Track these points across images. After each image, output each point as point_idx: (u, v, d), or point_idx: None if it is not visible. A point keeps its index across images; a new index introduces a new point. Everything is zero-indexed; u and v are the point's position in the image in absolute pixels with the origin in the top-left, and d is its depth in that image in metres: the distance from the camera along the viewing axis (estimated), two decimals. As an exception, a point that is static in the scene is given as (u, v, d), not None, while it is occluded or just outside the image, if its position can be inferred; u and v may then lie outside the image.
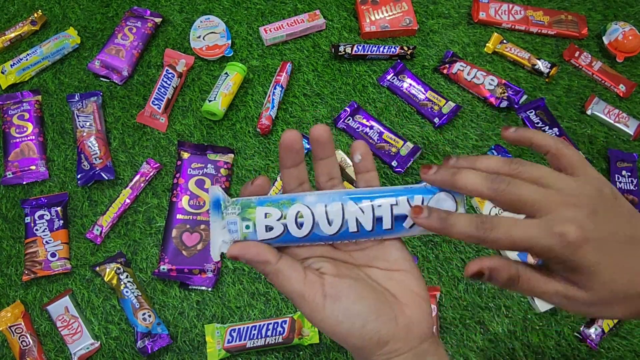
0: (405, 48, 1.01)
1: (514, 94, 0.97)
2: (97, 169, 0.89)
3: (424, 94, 0.99)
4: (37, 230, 0.85)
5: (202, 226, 0.86)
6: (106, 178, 0.89)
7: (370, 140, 0.94)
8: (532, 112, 0.97)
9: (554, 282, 0.32)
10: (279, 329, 0.79)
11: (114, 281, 0.82)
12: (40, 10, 1.05)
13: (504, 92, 0.97)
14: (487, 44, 1.04)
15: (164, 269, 0.83)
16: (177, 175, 0.89)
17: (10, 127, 0.94)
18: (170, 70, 0.98)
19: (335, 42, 1.05)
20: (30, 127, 0.94)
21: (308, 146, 0.95)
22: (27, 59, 0.99)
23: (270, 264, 0.33)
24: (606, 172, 0.94)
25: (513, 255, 0.84)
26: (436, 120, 0.96)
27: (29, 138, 0.93)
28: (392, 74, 1.00)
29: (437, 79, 1.02)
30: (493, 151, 0.94)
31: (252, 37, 1.05)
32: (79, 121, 0.93)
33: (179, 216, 0.86)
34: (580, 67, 1.03)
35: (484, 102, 0.99)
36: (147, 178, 0.90)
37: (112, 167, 0.91)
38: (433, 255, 0.86)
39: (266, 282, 0.84)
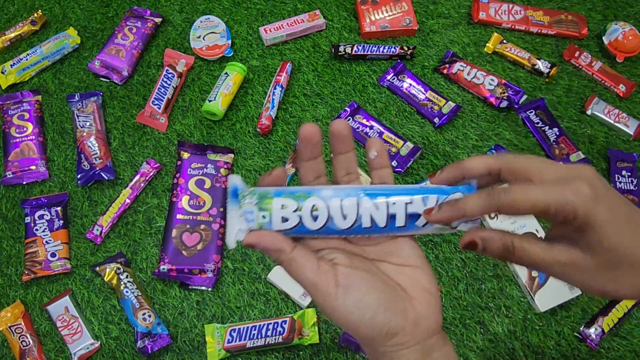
0: (405, 48, 1.01)
1: (514, 94, 0.97)
2: (97, 169, 0.89)
3: (424, 94, 0.99)
4: (37, 230, 0.85)
5: (202, 226, 0.86)
6: (106, 178, 0.89)
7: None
8: (532, 112, 0.97)
9: (555, 250, 0.32)
10: (279, 329, 0.79)
11: (114, 281, 0.82)
12: (40, 10, 1.05)
13: (504, 92, 0.97)
14: (487, 44, 1.04)
15: (164, 269, 0.83)
16: (177, 175, 0.89)
17: (10, 127, 0.94)
18: (170, 70, 0.98)
19: (335, 42, 1.05)
20: (30, 127, 0.94)
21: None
22: (27, 59, 0.99)
23: (285, 252, 0.33)
24: (606, 172, 0.94)
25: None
26: (436, 120, 0.96)
27: (29, 138, 0.93)
28: (392, 74, 1.00)
29: (437, 79, 1.02)
30: (493, 151, 0.94)
31: (252, 37, 1.05)
32: (79, 121, 0.93)
33: (179, 216, 0.86)
34: (580, 67, 1.03)
35: (484, 102, 0.99)
36: (147, 178, 0.90)
37: (112, 167, 0.91)
38: (433, 255, 0.86)
39: (266, 282, 0.84)
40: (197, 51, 1.01)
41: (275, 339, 0.78)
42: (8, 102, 0.96)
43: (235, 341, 0.78)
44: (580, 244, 0.31)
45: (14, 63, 0.99)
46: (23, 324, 0.80)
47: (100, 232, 0.86)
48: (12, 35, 1.02)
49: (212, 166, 0.90)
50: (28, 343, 0.79)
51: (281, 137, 0.96)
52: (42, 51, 0.99)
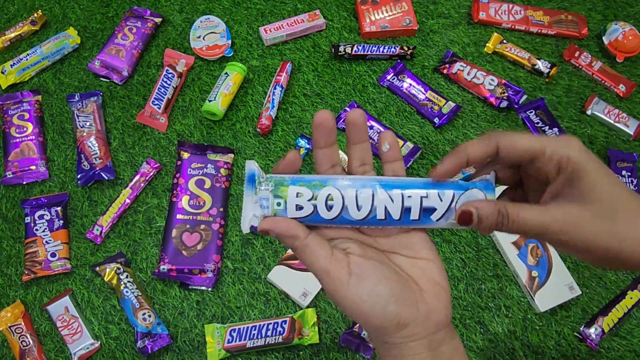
0: (405, 48, 1.01)
1: (514, 94, 0.97)
2: (97, 169, 0.89)
3: (424, 94, 0.99)
4: (37, 230, 0.85)
5: (202, 226, 0.86)
6: (106, 178, 0.89)
7: (371, 141, 0.94)
8: (532, 112, 0.97)
9: (549, 210, 0.32)
10: (279, 329, 0.79)
11: (114, 281, 0.82)
12: (40, 10, 1.05)
13: (504, 92, 0.97)
14: (487, 44, 1.04)
15: (164, 269, 0.83)
16: (177, 175, 0.89)
17: (10, 127, 0.94)
18: (170, 70, 0.98)
19: (335, 42, 1.05)
20: (30, 127, 0.94)
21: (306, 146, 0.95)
22: (27, 59, 0.99)
23: (300, 238, 0.34)
24: (606, 172, 0.94)
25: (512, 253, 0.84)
26: (436, 120, 0.96)
27: (29, 138, 0.93)
28: (392, 74, 1.00)
29: (437, 79, 1.02)
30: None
31: (252, 37, 1.05)
32: (79, 121, 0.93)
33: (179, 216, 0.86)
34: (580, 67, 1.03)
35: (484, 102, 0.99)
36: (147, 178, 0.90)
37: (112, 167, 0.91)
38: (433, 255, 0.86)
39: (266, 282, 0.84)
40: (197, 51, 1.01)
41: (275, 339, 0.78)
42: (8, 102, 0.96)
43: (235, 341, 0.78)
44: (573, 198, 0.32)
45: (14, 63, 0.99)
46: (23, 324, 0.80)
47: (100, 232, 0.86)
48: (12, 35, 1.02)
49: (212, 166, 0.90)
50: (28, 343, 0.79)
51: (281, 137, 0.96)
52: (42, 51, 0.99)
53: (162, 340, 0.79)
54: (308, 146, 0.93)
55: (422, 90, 0.99)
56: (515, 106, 0.97)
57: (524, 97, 0.98)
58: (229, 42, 1.02)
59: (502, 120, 0.98)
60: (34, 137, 0.93)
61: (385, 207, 0.35)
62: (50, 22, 1.06)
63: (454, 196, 0.35)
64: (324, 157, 0.36)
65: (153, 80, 1.00)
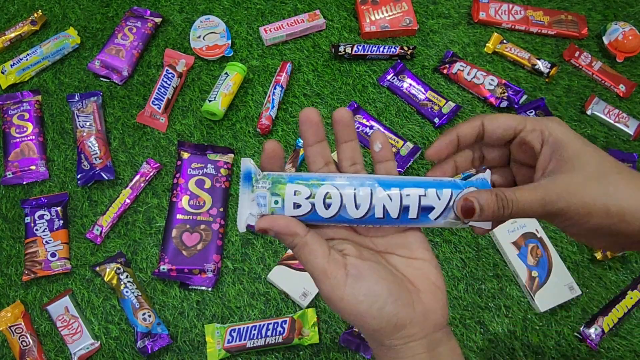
0: (405, 48, 1.01)
1: (514, 94, 0.97)
2: (97, 169, 0.89)
3: (424, 94, 0.99)
4: (37, 230, 0.85)
5: (202, 226, 0.86)
6: (106, 178, 0.89)
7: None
8: (532, 112, 0.97)
9: (542, 185, 0.33)
10: (279, 329, 0.79)
11: (114, 281, 0.82)
12: (40, 10, 1.05)
13: (504, 92, 0.97)
14: (487, 44, 1.04)
15: (164, 269, 0.83)
16: (177, 175, 0.89)
17: (10, 127, 0.94)
18: (170, 70, 0.98)
19: (335, 42, 1.05)
20: (30, 127, 0.94)
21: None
22: (27, 59, 0.99)
23: (299, 236, 0.33)
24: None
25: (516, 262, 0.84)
26: (436, 120, 0.96)
27: (29, 138, 0.93)
28: (392, 74, 1.00)
29: (437, 79, 1.02)
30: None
31: (252, 37, 1.05)
32: (79, 121, 0.93)
33: (179, 216, 0.86)
34: (580, 67, 1.03)
35: (484, 102, 0.99)
36: (147, 178, 0.90)
37: (112, 167, 0.91)
38: (433, 255, 0.86)
39: (266, 282, 0.84)
40: (197, 51, 1.01)
41: (275, 339, 0.78)
42: (8, 102, 0.96)
43: (235, 341, 0.78)
44: (562, 168, 0.33)
45: (14, 63, 0.99)
46: (23, 324, 0.80)
47: (100, 232, 0.86)
48: (12, 35, 1.02)
49: (212, 166, 0.90)
50: (28, 343, 0.79)
51: (281, 137, 0.96)
52: (42, 51, 0.99)
53: (162, 340, 0.79)
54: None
55: (422, 90, 0.99)
56: (515, 106, 0.97)
57: (524, 97, 0.98)
58: (229, 42, 1.02)
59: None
60: (34, 137, 0.93)
61: (384, 206, 0.34)
62: (50, 22, 1.06)
63: (451, 195, 0.35)
64: (316, 155, 0.36)
65: (153, 80, 1.00)
